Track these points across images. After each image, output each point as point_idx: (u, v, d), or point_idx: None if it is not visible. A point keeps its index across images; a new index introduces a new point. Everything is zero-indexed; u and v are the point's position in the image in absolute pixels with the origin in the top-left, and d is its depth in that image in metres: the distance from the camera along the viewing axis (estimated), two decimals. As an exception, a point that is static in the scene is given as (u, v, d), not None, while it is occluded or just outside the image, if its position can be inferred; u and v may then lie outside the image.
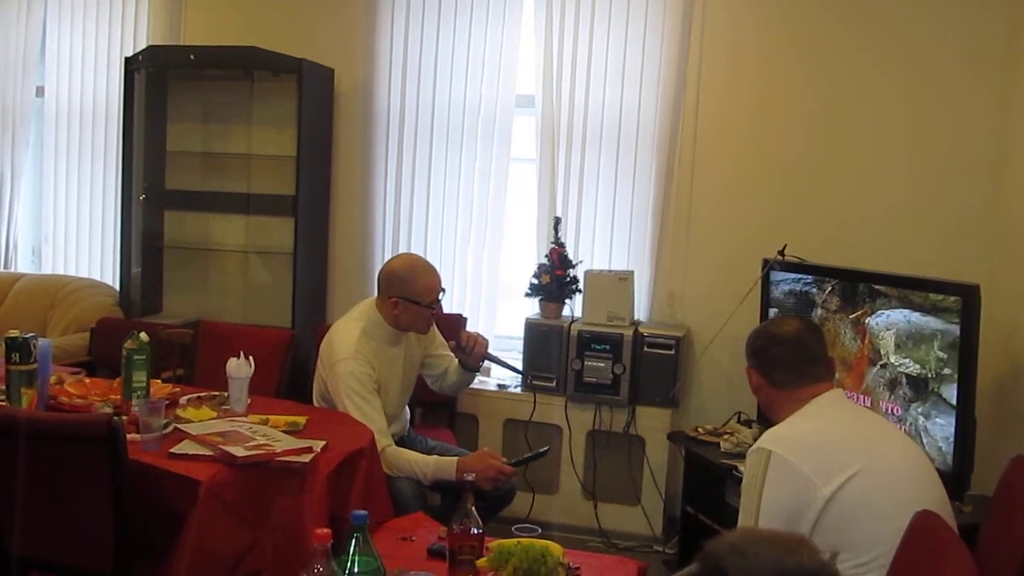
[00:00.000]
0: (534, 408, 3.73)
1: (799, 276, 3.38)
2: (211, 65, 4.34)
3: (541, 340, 3.86)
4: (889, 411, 2.98)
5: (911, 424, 2.91)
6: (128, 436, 2.19)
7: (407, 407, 3.23)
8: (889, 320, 2.99)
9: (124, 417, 2.39)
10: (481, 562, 1.92)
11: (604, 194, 4.01)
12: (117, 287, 4.46)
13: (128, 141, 4.30)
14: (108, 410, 2.51)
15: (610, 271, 3.89)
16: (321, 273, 4.41)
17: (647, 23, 3.89)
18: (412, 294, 2.94)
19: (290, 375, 3.51)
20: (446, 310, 3.56)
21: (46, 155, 4.79)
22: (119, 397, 2.63)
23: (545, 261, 3.92)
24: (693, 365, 3.95)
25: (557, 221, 3.96)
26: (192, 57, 4.27)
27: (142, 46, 4.42)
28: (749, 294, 3.54)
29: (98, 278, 4.66)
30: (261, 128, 4.37)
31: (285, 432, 2.50)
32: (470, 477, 2.07)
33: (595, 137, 3.99)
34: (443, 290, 3.05)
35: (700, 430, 3.52)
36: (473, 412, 3.96)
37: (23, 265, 4.95)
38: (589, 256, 4.01)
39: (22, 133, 4.80)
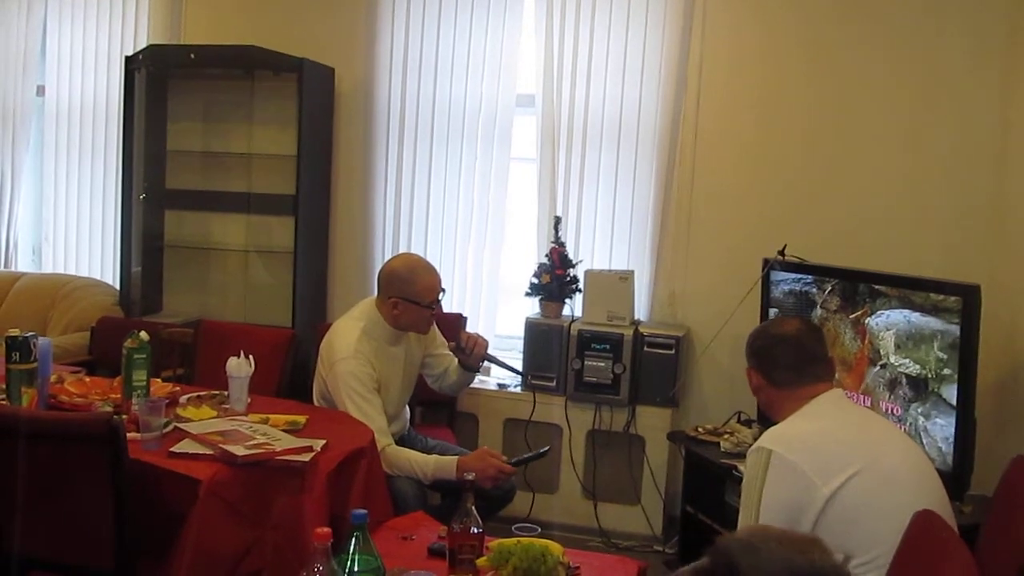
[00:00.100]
0: (534, 408, 3.72)
1: (799, 276, 3.38)
2: (211, 64, 4.35)
3: (541, 340, 3.86)
4: (889, 411, 2.98)
5: (911, 424, 2.91)
6: (128, 435, 2.19)
7: (407, 406, 3.23)
8: (889, 320, 2.99)
9: (124, 416, 2.40)
10: (481, 561, 1.92)
11: (604, 193, 4.01)
12: (117, 286, 4.46)
13: (128, 140, 4.30)
14: (108, 409, 2.51)
15: (610, 271, 3.89)
16: (321, 272, 4.41)
17: (648, 22, 3.89)
18: (412, 294, 2.94)
19: (290, 374, 3.50)
20: (446, 310, 3.56)
21: (46, 154, 4.80)
22: (119, 396, 2.63)
23: (545, 260, 3.92)
24: (693, 365, 3.95)
25: (557, 220, 3.96)
26: (192, 56, 4.27)
27: (142, 45, 4.42)
28: (749, 294, 3.54)
29: (98, 277, 4.67)
30: (261, 127, 4.37)
31: (285, 431, 2.50)
32: (470, 476, 2.06)
33: (595, 136, 3.99)
34: (443, 290, 3.04)
35: (700, 430, 3.53)
36: (473, 411, 3.96)
37: (23, 264, 4.95)
38: (589, 256, 4.01)
39: (22, 132, 4.80)
